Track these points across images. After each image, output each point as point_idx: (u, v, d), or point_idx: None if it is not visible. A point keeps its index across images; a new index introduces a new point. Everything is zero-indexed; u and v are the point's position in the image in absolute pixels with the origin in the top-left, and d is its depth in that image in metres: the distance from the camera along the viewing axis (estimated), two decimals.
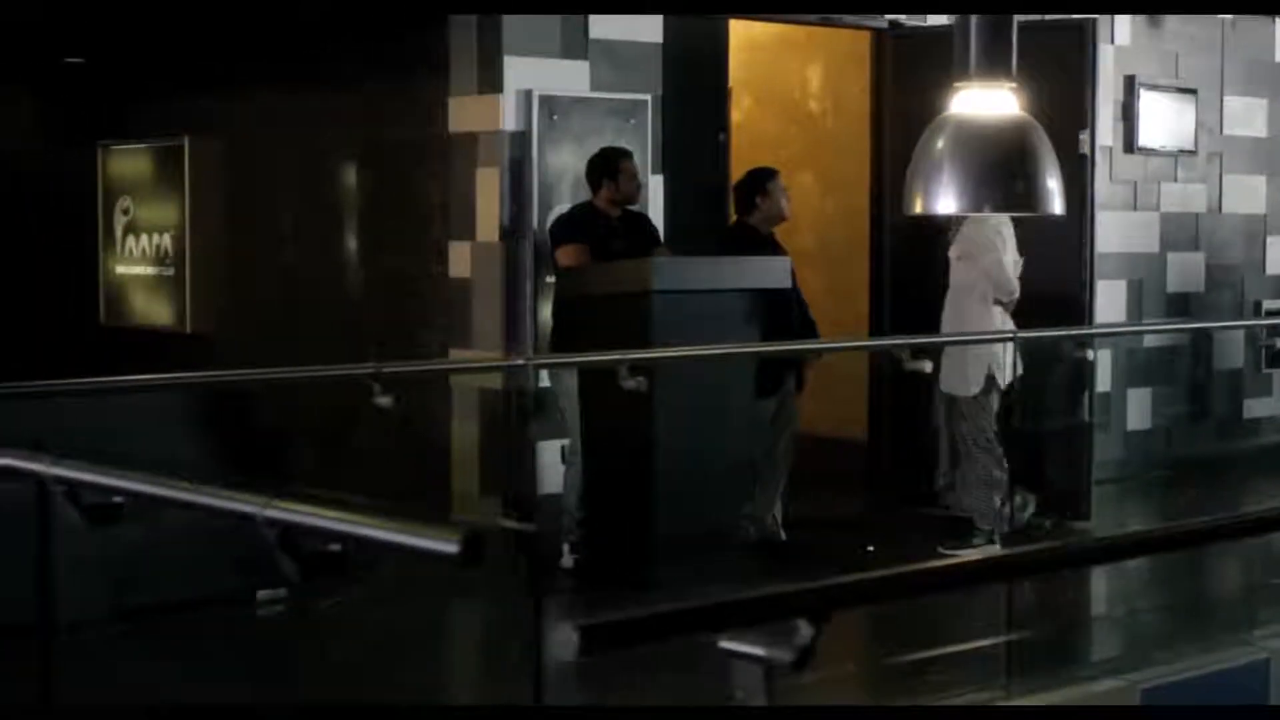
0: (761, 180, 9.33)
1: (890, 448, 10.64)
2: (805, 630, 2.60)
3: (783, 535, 9.33)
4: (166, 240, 11.62)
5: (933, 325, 9.35)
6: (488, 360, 9.21)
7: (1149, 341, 11.76)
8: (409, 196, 9.89)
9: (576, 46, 9.38)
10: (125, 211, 11.99)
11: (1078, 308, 9.92)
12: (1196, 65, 11.96)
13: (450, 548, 2.42)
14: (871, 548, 9.14)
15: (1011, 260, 9.26)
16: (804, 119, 12.02)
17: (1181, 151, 11.90)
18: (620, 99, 9.43)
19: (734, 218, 9.59)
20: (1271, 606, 7.92)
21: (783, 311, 8.98)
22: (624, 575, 8.23)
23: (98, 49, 11.82)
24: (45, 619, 3.88)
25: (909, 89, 10.47)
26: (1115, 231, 11.21)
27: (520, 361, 6.74)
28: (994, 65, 5.58)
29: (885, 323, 10.53)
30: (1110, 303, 11.16)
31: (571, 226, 8.88)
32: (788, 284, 8.93)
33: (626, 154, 9.01)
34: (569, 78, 9.33)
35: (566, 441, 8.92)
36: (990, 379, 9.12)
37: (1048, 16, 9.74)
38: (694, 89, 9.82)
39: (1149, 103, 11.65)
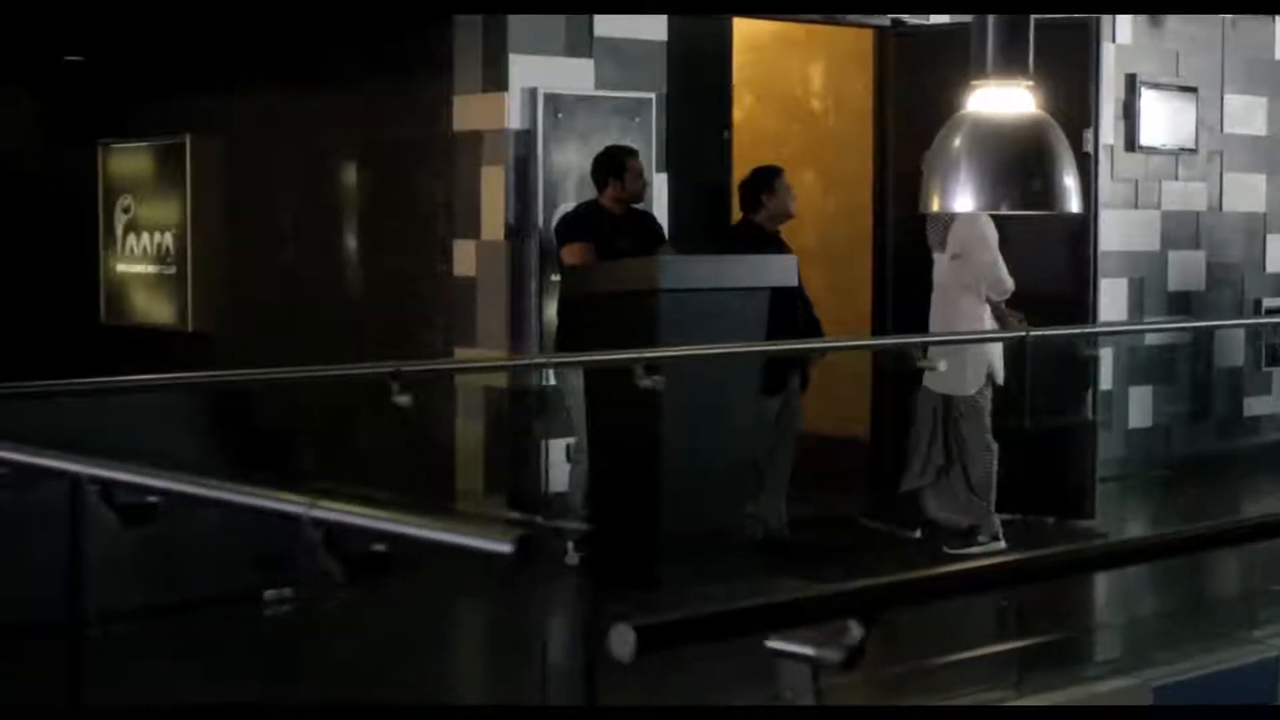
0: (768, 178, 9.33)
1: (893, 447, 10.62)
2: (854, 630, 2.59)
3: (786, 534, 9.33)
4: (168, 239, 11.61)
5: None
6: (495, 359, 9.20)
7: (1150, 340, 11.77)
8: (413, 195, 9.88)
9: (581, 45, 9.37)
10: (126, 210, 11.97)
11: (1081, 306, 9.92)
12: (1197, 64, 11.96)
13: (505, 547, 2.41)
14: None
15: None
16: (806, 117, 12.01)
17: (1182, 150, 11.90)
18: (625, 97, 9.43)
19: (738, 216, 9.59)
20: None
21: (788, 310, 8.97)
22: (628, 573, 8.21)
23: (98, 48, 11.79)
24: (76, 617, 3.86)
25: (911, 87, 10.48)
26: (1116, 230, 11.21)
27: (539, 360, 6.68)
28: (1011, 63, 5.57)
29: (887, 321, 10.53)
30: (1111, 301, 11.16)
31: (577, 225, 8.87)
32: (794, 282, 8.92)
33: (632, 152, 9.01)
34: (574, 76, 9.33)
35: (572, 440, 8.92)
36: (989, 378, 9.12)
37: (1050, 15, 9.73)
38: (698, 87, 9.82)
39: (1150, 101, 11.66)
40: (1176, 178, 11.93)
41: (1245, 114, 12.35)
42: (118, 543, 3.76)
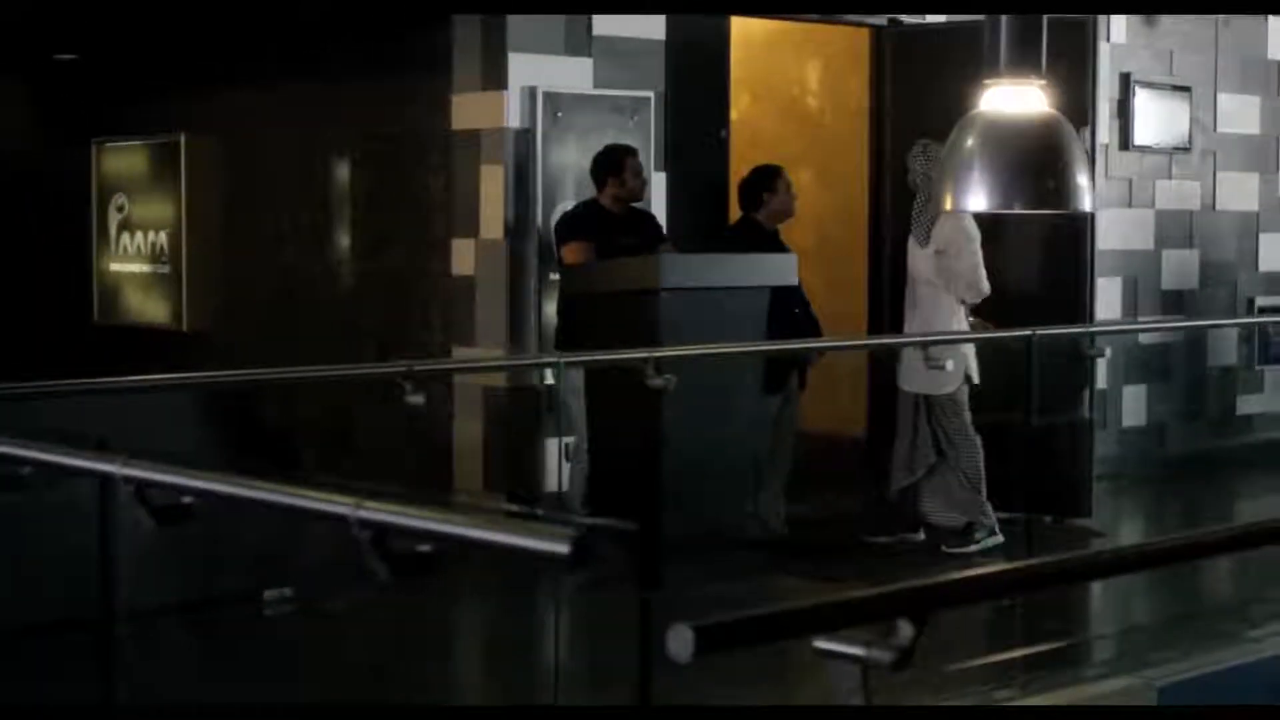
0: (769, 177, 9.34)
1: (889, 446, 10.61)
2: (905, 630, 2.59)
3: (785, 532, 9.33)
4: (162, 238, 11.57)
5: None
6: (495, 358, 9.20)
7: (1143, 338, 11.78)
8: (412, 194, 9.87)
9: (580, 43, 9.37)
10: (120, 209, 11.94)
11: (1078, 305, 9.92)
12: (1190, 63, 11.98)
13: (561, 548, 2.40)
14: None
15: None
16: (802, 116, 12.01)
17: (1176, 149, 11.93)
18: (623, 96, 9.42)
19: (736, 215, 9.59)
20: None
21: (788, 309, 8.98)
22: (628, 571, 8.19)
23: (91, 46, 11.76)
24: (108, 614, 3.85)
25: (908, 86, 10.49)
26: (1111, 228, 11.23)
27: (550, 359, 6.67)
28: (1024, 62, 5.57)
29: (884, 320, 10.52)
30: (1106, 300, 11.17)
31: (577, 224, 8.87)
32: (794, 281, 8.92)
33: (632, 151, 9.01)
34: (573, 75, 9.32)
35: (570, 439, 8.91)
36: (965, 376, 9.12)
37: (1043, 16, 9.73)
38: (696, 86, 9.82)
39: (1144, 100, 11.68)
40: (1170, 176, 11.95)
41: (1238, 113, 12.37)
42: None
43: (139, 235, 11.76)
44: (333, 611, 7.70)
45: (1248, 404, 12.55)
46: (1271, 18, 12.47)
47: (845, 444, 10.88)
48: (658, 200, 9.46)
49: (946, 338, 8.91)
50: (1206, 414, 12.30)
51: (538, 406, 9.15)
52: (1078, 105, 9.85)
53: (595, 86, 9.38)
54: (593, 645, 7.02)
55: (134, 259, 11.80)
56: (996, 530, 9.16)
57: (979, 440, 9.19)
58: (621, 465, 8.53)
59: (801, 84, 12.04)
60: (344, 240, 10.46)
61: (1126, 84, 11.59)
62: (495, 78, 9.20)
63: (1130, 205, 11.68)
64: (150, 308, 11.71)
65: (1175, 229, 12.01)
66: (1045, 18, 5.99)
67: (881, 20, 10.62)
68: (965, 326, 9.18)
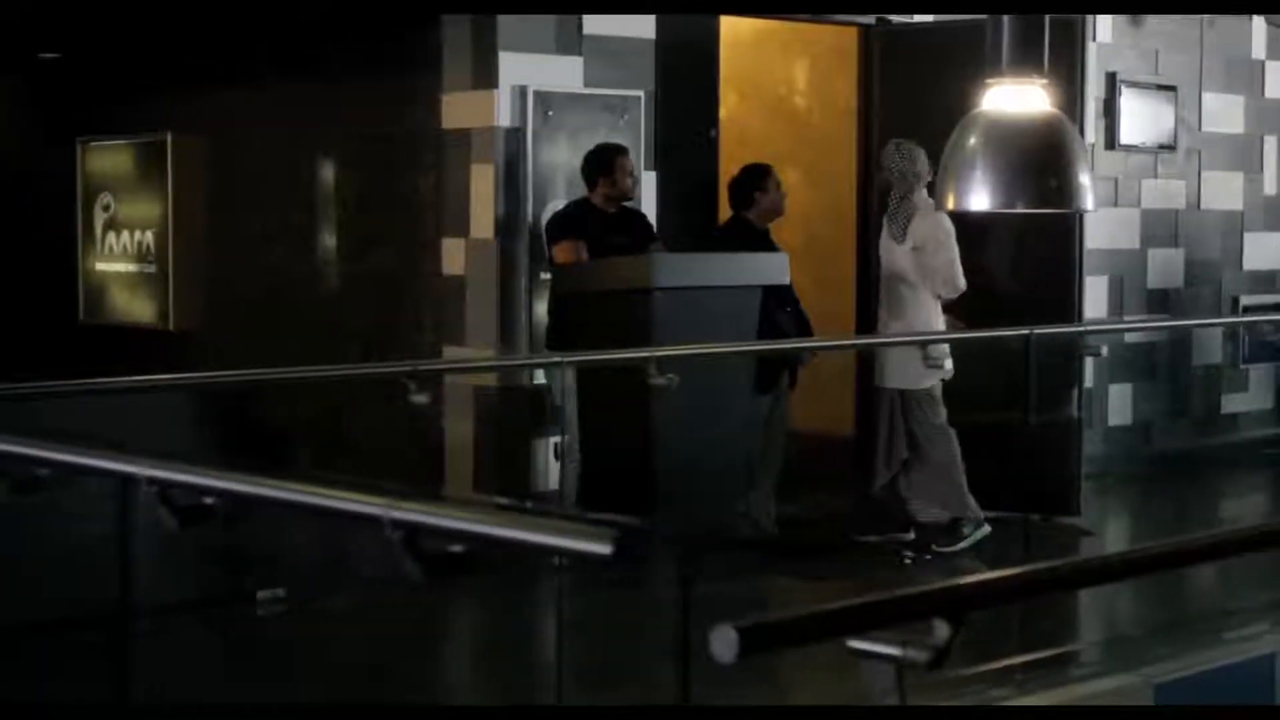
0: (760, 176, 9.36)
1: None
2: (941, 630, 2.58)
3: (776, 532, 9.33)
4: (149, 237, 11.53)
5: None
6: (486, 358, 9.18)
7: (1129, 337, 11.81)
8: (402, 193, 9.84)
9: (571, 43, 9.35)
10: (105, 208, 11.89)
11: (1068, 304, 9.94)
12: (1175, 62, 12.01)
13: (603, 548, 2.40)
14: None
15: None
16: (789, 115, 12.00)
17: (1161, 148, 11.95)
18: (614, 95, 9.41)
19: (727, 214, 9.59)
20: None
21: (780, 308, 8.99)
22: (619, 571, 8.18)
23: (76, 44, 11.71)
24: (125, 615, 3.83)
25: (896, 84, 10.50)
26: (1097, 228, 11.23)
27: (556, 359, 6.66)
28: (1026, 61, 5.58)
29: (872, 319, 10.51)
30: (1093, 299, 11.19)
31: (568, 223, 8.87)
32: (786, 280, 8.93)
33: (623, 150, 9.00)
34: (563, 74, 9.31)
35: (561, 438, 8.89)
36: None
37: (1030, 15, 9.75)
38: (686, 85, 9.81)
39: (1129, 100, 11.70)
40: (1156, 176, 11.98)
41: (1223, 112, 12.40)
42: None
43: (125, 235, 11.71)
44: (329, 611, 7.70)
45: (1232, 403, 12.58)
46: (1255, 18, 12.51)
47: (835, 443, 10.88)
48: (648, 199, 9.46)
49: (942, 337, 8.92)
50: (1192, 413, 12.33)
51: (529, 406, 9.14)
52: (1065, 105, 9.86)
53: (586, 85, 9.37)
54: (593, 645, 7.00)
55: (120, 258, 11.75)
56: (983, 521, 9.19)
57: (954, 433, 9.21)
58: (613, 465, 8.52)
59: (789, 83, 12.04)
60: (333, 240, 10.44)
61: (1112, 83, 11.61)
62: (486, 77, 9.18)
63: (1116, 204, 11.70)
64: (136, 307, 11.67)
65: (1161, 228, 12.04)
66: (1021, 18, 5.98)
67: (869, 19, 10.62)
68: (942, 323, 9.22)
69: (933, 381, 9.10)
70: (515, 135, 9.15)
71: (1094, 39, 11.34)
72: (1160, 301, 12.03)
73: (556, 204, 9.12)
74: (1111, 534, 10.60)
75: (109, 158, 11.97)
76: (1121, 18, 11.66)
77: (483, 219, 9.25)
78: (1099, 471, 11.16)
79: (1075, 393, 10.11)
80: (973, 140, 5.57)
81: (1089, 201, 5.63)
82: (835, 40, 11.22)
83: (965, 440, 9.34)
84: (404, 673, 7.03)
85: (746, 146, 10.77)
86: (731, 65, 10.81)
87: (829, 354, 10.58)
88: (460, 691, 7.30)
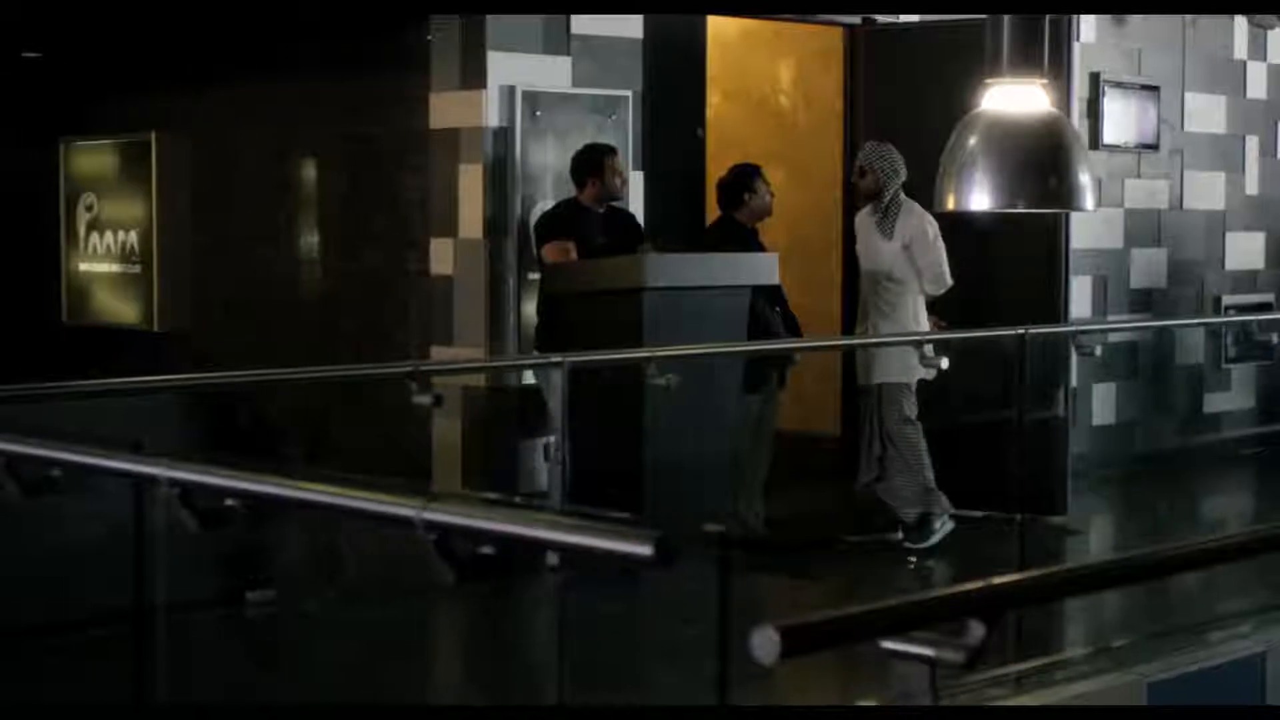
0: (749, 176, 9.39)
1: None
2: (976, 630, 2.58)
3: (764, 531, 9.33)
4: (133, 237, 11.48)
5: None
6: (474, 359, 9.17)
7: (1112, 337, 11.83)
8: (390, 193, 9.82)
9: (558, 42, 9.34)
10: (89, 208, 11.84)
11: (1054, 304, 9.95)
12: (1158, 62, 12.04)
13: (645, 550, 2.39)
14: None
15: None
16: (774, 114, 12.00)
17: (1144, 148, 11.98)
18: (601, 95, 9.41)
19: (714, 213, 9.59)
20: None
21: (770, 308, 9.01)
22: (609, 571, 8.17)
23: (59, 43, 11.64)
24: (142, 615, 3.82)
25: (881, 84, 10.51)
26: (1081, 228, 11.23)
27: (556, 359, 6.65)
28: (1026, 61, 5.59)
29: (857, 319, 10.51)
30: (1077, 298, 11.21)
31: (557, 223, 8.86)
32: (776, 280, 8.95)
33: (612, 150, 9.00)
34: (551, 73, 9.30)
35: (551, 439, 8.87)
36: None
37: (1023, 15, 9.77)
38: (673, 85, 9.82)
39: (1113, 100, 11.73)
40: (1139, 175, 12.01)
41: (1205, 112, 12.44)
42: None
43: (109, 235, 11.66)
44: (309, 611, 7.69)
45: (1214, 402, 12.62)
46: (1237, 18, 12.55)
47: (823, 443, 10.89)
48: (635, 199, 9.45)
49: (939, 336, 8.94)
50: (1175, 412, 12.36)
51: (517, 407, 9.13)
52: (1056, 105, 9.91)
53: (574, 85, 9.36)
54: (596, 644, 7.00)
55: (104, 259, 11.70)
56: (948, 509, 9.24)
57: (920, 428, 9.24)
58: (601, 465, 8.50)
59: (773, 83, 12.04)
60: (321, 240, 10.41)
61: (1096, 83, 11.64)
62: (474, 77, 9.17)
63: (1100, 205, 11.69)
64: (121, 308, 11.62)
65: (1144, 228, 12.07)
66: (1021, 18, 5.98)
67: (854, 19, 10.63)
68: (926, 320, 9.26)
69: (919, 375, 9.11)
70: (503, 135, 9.14)
71: (1078, 39, 11.36)
72: (1143, 301, 12.06)
73: (545, 204, 9.11)
74: (1096, 534, 10.64)
75: (92, 158, 11.92)
76: (1105, 18, 11.68)
77: (471, 219, 9.23)
78: (1082, 471, 11.19)
79: (1062, 392, 10.12)
80: (973, 140, 5.58)
81: (1089, 201, 5.64)
82: (820, 40, 11.23)
83: (952, 440, 9.37)
84: (394, 673, 7.02)
85: (732, 147, 10.77)
86: (715, 65, 10.81)
87: (816, 354, 10.60)
88: (460, 691, 7.29)
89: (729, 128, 11.44)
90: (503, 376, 9.20)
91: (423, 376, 5.88)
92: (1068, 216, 10.05)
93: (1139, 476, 11.64)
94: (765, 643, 2.31)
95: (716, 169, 9.87)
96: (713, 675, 6.76)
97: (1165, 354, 12.33)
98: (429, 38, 9.32)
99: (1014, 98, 5.65)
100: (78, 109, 12.00)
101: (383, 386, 9.04)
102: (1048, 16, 9.74)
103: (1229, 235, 12.68)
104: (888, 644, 2.58)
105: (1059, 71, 9.91)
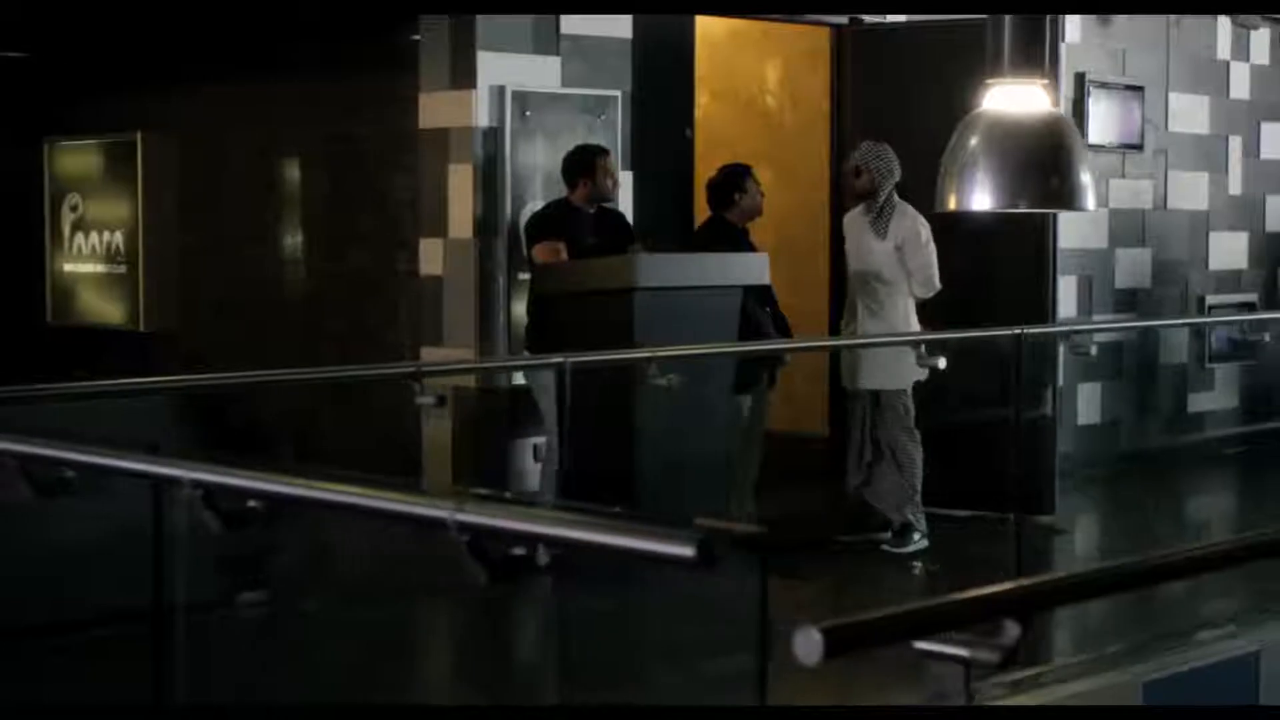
0: (740, 176, 9.40)
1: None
2: (1011, 630, 2.58)
3: (755, 530, 9.31)
4: (118, 238, 11.45)
5: None
6: (464, 359, 9.16)
7: (1097, 337, 11.84)
8: (379, 193, 9.81)
9: (548, 42, 9.33)
10: (74, 209, 11.81)
11: (1041, 304, 9.97)
12: (1142, 63, 12.07)
13: (687, 551, 2.39)
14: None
15: None
16: (762, 115, 12.00)
17: (1129, 148, 12.01)
18: (591, 95, 9.40)
19: (704, 213, 9.59)
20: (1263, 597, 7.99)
21: (761, 308, 9.01)
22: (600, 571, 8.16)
23: (43, 43, 11.60)
24: (162, 616, 3.80)
25: (868, 84, 10.52)
26: (1066, 227, 11.25)
27: (557, 359, 6.64)
28: (1027, 61, 5.59)
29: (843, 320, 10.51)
30: (1062, 298, 11.22)
31: (548, 223, 8.85)
32: (766, 280, 8.95)
33: (604, 151, 9.00)
34: (541, 73, 9.29)
35: (541, 439, 8.88)
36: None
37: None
38: (662, 85, 9.82)
39: (1098, 100, 11.76)
40: (1123, 175, 12.04)
41: (1189, 113, 12.47)
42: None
43: (94, 235, 11.63)
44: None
45: (1198, 402, 12.66)
46: (1221, 18, 12.58)
47: (812, 444, 10.89)
48: (625, 199, 9.45)
49: (937, 336, 8.93)
50: (1159, 411, 12.39)
51: (507, 407, 9.12)
52: None
53: (563, 85, 9.35)
54: (597, 644, 7.00)
55: (89, 259, 11.67)
56: (924, 535, 9.27)
57: (919, 437, 9.24)
58: (593, 465, 8.49)
59: (761, 83, 12.04)
60: (310, 240, 10.39)
61: (1081, 84, 11.66)
62: (463, 77, 9.15)
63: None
64: (106, 308, 11.59)
65: (1128, 228, 12.10)
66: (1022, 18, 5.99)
67: (842, 19, 10.63)
68: (917, 322, 9.27)
69: (915, 379, 9.12)
70: (493, 135, 9.13)
71: (1063, 39, 11.38)
72: (1128, 301, 12.09)
73: (535, 204, 9.10)
74: (1082, 533, 10.67)
75: (77, 158, 11.89)
76: (1090, 19, 11.71)
77: (461, 219, 9.22)
78: (1068, 470, 11.21)
79: (1050, 392, 10.14)
80: (974, 140, 5.58)
81: (1090, 201, 5.66)
82: (807, 40, 11.23)
83: (942, 440, 9.38)
84: (393, 673, 7.01)
85: (720, 147, 10.76)
86: (702, 65, 10.81)
87: (805, 354, 10.60)
88: (458, 691, 7.28)
89: (717, 128, 11.43)
90: (493, 377, 9.19)
91: (423, 378, 5.82)
92: (1055, 216, 10.07)
93: (1124, 476, 11.67)
94: (808, 643, 2.30)
95: (705, 169, 9.88)
96: (713, 675, 6.80)
97: (1150, 354, 12.37)
98: (418, 38, 9.31)
99: (1015, 98, 5.65)
100: (63, 109, 11.97)
101: (371, 387, 9.06)
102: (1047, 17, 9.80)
103: (1213, 235, 12.72)
104: (922, 645, 2.58)
105: (1049, 72, 9.95)
